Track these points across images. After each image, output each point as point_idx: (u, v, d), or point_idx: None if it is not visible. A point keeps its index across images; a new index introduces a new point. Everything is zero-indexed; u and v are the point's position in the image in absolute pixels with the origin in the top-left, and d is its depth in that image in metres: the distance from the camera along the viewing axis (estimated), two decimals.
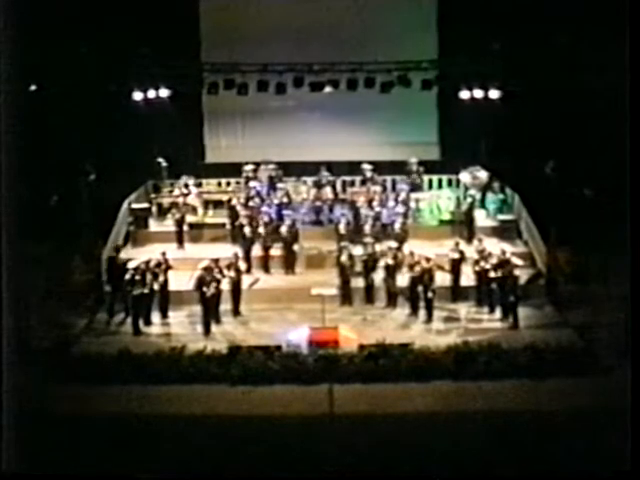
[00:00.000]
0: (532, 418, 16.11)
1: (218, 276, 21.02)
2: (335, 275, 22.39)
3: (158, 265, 21.50)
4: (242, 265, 22.22)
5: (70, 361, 18.65)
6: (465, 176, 26.88)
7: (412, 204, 25.66)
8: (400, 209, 24.94)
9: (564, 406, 16.62)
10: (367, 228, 24.05)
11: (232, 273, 21.45)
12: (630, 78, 12.87)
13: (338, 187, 27.03)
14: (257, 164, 27.28)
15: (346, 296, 22.09)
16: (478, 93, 27.23)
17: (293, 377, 18.15)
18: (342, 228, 24.20)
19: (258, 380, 18.04)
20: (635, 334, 12.80)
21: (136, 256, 22.73)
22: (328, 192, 26.21)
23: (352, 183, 27.27)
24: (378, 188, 26.14)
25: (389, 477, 14.07)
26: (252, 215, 24.45)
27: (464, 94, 27.70)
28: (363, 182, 26.86)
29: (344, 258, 22.30)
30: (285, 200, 25.68)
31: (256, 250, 23.87)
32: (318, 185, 26.61)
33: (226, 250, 22.92)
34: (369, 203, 25.25)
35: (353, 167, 27.24)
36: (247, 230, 23.83)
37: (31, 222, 22.97)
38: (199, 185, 27.26)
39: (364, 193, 25.94)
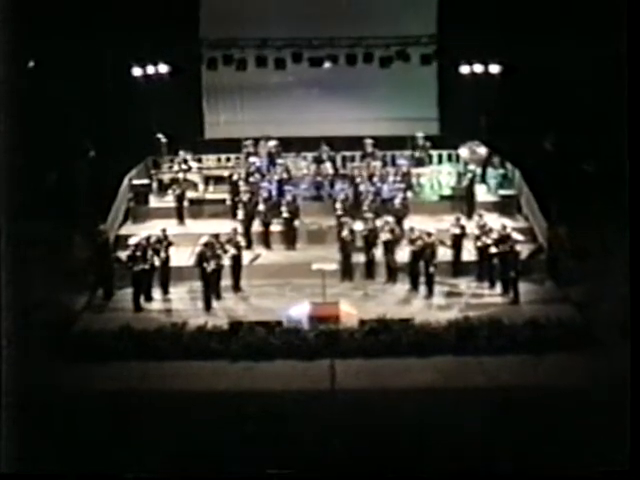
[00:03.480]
0: (532, 394, 16.08)
1: (219, 252, 20.95)
2: (336, 250, 22.35)
3: (159, 241, 21.43)
4: (242, 241, 22.19)
5: (71, 339, 18.62)
6: (464, 151, 26.77)
7: (413, 179, 25.59)
8: (400, 184, 24.86)
9: (563, 382, 16.60)
10: (367, 203, 24.00)
11: (232, 249, 21.38)
12: (629, 52, 12.77)
13: (338, 162, 26.89)
14: (257, 140, 27.15)
15: (347, 271, 22.05)
16: (478, 68, 27.11)
17: (294, 352, 18.14)
18: (342, 203, 24.13)
19: (259, 356, 18.03)
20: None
21: (136, 232, 22.65)
22: (328, 167, 26.06)
23: (352, 158, 27.17)
24: (378, 163, 26.03)
25: (390, 452, 14.04)
26: (252, 191, 24.36)
27: (464, 69, 27.60)
28: (363, 157, 26.74)
29: (345, 233, 22.24)
30: (285, 176, 25.55)
31: (256, 226, 23.80)
32: (318, 161, 26.47)
33: (226, 226, 22.78)
34: (369, 178, 25.17)
35: (353, 143, 27.10)
36: (247, 206, 23.77)
37: (30, 200, 23.00)
38: (199, 161, 27.15)
39: (364, 168, 25.86)
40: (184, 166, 26.38)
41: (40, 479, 12.10)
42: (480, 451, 13.95)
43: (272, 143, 26.81)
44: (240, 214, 23.79)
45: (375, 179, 25.03)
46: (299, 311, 19.43)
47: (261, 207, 23.83)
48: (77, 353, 18.03)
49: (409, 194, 24.77)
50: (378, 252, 22.23)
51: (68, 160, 25.33)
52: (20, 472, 12.02)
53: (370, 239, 22.22)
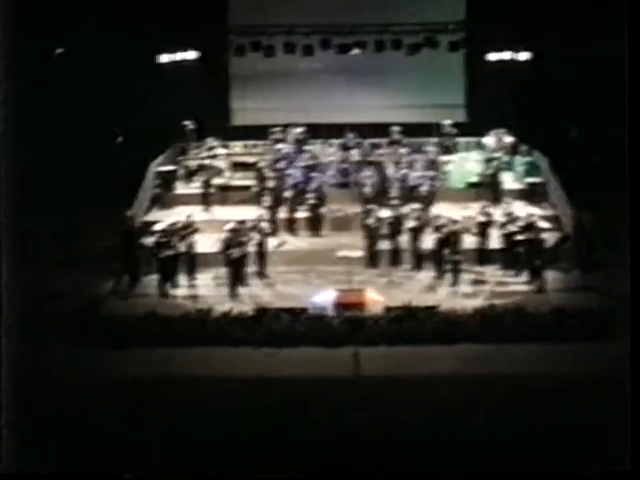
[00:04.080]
0: (556, 382, 15.98)
1: (244, 238, 20.95)
2: (361, 237, 22.25)
3: (184, 228, 21.50)
4: (268, 227, 22.20)
5: (96, 324, 18.65)
6: (491, 139, 26.60)
7: (439, 167, 25.46)
8: (427, 172, 24.75)
9: (587, 372, 16.48)
10: (394, 190, 23.92)
11: (258, 235, 21.40)
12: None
13: (365, 149, 26.78)
14: (284, 126, 27.10)
15: (372, 258, 21.99)
16: (506, 55, 26.93)
17: (319, 339, 18.12)
18: (369, 190, 24.09)
19: (283, 342, 18.02)
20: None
21: (162, 219, 22.75)
22: (355, 154, 25.99)
23: (379, 145, 27.07)
24: (405, 151, 25.92)
25: (412, 440, 14.01)
26: (279, 177, 24.36)
27: (491, 56, 27.41)
28: (390, 144, 26.64)
29: (370, 220, 22.20)
30: (312, 162, 25.47)
31: (282, 212, 23.80)
32: (345, 147, 26.36)
33: (252, 212, 22.81)
34: (396, 165, 25.08)
35: (380, 130, 26.98)
36: (273, 192, 23.75)
37: (57, 186, 23.15)
38: (226, 147, 27.14)
39: (391, 155, 25.77)
40: (211, 153, 26.40)
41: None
42: (494, 444, 13.83)
43: (299, 130, 26.76)
44: (266, 201, 23.81)
45: (402, 166, 24.94)
46: (324, 298, 19.35)
47: (287, 194, 23.85)
48: (102, 338, 18.08)
49: (436, 181, 24.69)
50: (404, 239, 22.18)
51: (95, 146, 25.50)
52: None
53: (396, 226, 22.17)
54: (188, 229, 21.51)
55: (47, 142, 24.38)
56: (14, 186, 22.19)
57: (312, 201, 23.74)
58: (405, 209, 22.58)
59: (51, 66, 25.62)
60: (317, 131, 26.93)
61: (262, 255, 21.61)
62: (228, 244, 20.67)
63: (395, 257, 22.16)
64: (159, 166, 26.02)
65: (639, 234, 12.75)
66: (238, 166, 26.62)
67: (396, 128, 26.59)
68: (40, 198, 22.45)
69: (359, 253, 21.18)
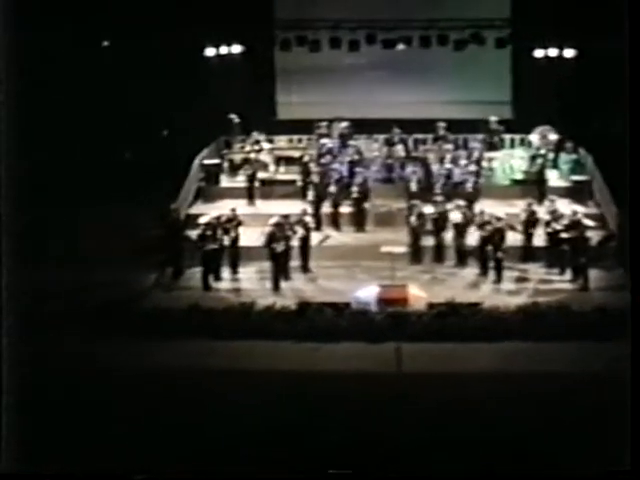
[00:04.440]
0: (599, 381, 15.86)
1: (288, 233, 21.02)
2: (405, 233, 22.25)
3: (229, 221, 21.61)
4: (312, 222, 22.26)
5: (139, 316, 18.80)
6: (536, 136, 26.43)
7: (484, 163, 25.35)
8: (472, 168, 24.65)
9: (628, 370, 16.31)
10: (438, 186, 23.86)
11: (302, 230, 21.46)
12: None
13: (410, 145, 26.70)
14: (329, 121, 27.10)
15: (416, 254, 21.96)
16: (552, 52, 26.73)
17: (361, 335, 18.12)
18: (413, 186, 24.05)
19: (326, 337, 18.04)
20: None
21: (207, 212, 22.78)
22: (400, 150, 25.92)
23: (424, 141, 27.01)
24: (450, 146, 25.82)
25: (454, 436, 13.98)
26: (323, 172, 24.37)
27: (538, 53, 27.23)
28: (435, 140, 26.56)
29: (414, 216, 22.16)
30: (356, 157, 25.44)
31: (326, 207, 23.82)
32: (390, 143, 26.26)
33: (296, 207, 22.86)
34: (441, 161, 25.00)
35: (425, 125, 26.91)
36: (318, 187, 23.79)
37: (105, 178, 23.36)
38: (271, 141, 27.19)
39: (436, 151, 25.70)
40: (256, 146, 26.43)
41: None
42: (542, 438, 13.76)
43: (344, 124, 26.73)
44: (310, 195, 23.85)
45: (446, 162, 24.85)
46: (367, 293, 19.35)
47: (331, 188, 23.85)
48: (144, 330, 18.20)
49: (480, 178, 24.60)
50: (448, 236, 22.13)
51: (141, 139, 25.66)
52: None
53: (440, 222, 22.13)
54: (232, 222, 21.63)
55: (90, 134, 24.61)
56: (56, 180, 22.56)
57: (356, 196, 23.74)
58: (449, 205, 22.54)
59: (95, 58, 25.81)
60: (362, 126, 26.83)
61: (305, 249, 21.68)
62: (272, 238, 20.75)
63: (439, 253, 22.11)
64: (204, 159, 26.18)
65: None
66: (283, 160, 26.74)
67: (441, 124, 26.49)
68: (86, 191, 22.75)
69: (403, 249, 21.12)
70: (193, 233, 21.59)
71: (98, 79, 25.14)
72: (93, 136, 24.62)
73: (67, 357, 16.52)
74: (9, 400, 11.92)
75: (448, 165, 24.66)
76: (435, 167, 24.77)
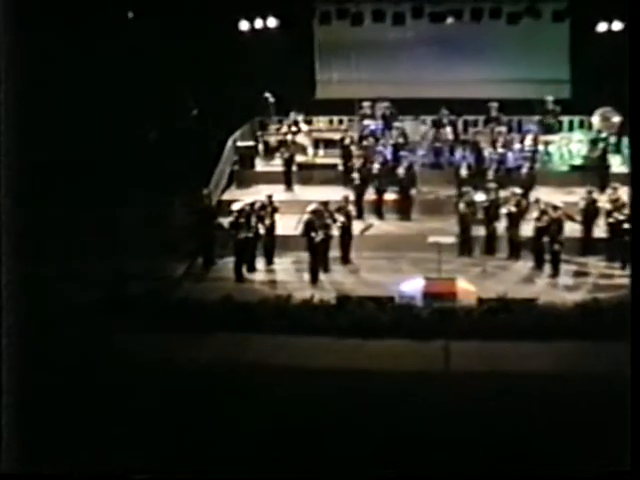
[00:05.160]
0: None
1: (328, 221, 21.17)
2: (454, 223, 22.35)
3: (264, 208, 21.80)
4: (353, 209, 22.46)
5: (169, 308, 19.00)
6: (597, 118, 26.31)
7: (540, 147, 25.31)
8: (527, 152, 24.63)
9: None
10: (490, 172, 23.88)
11: (342, 218, 21.60)
12: None
13: (459, 127, 26.73)
14: (372, 101, 27.15)
15: (465, 245, 22.04)
16: (616, 26, 26.58)
17: (406, 331, 18.16)
18: (463, 172, 24.09)
19: (368, 333, 18.08)
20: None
21: (240, 198, 23.02)
22: (448, 132, 26.00)
23: (475, 123, 27.00)
24: (503, 129, 25.79)
25: (502, 440, 14.04)
26: (366, 156, 24.47)
27: (600, 26, 27.08)
28: (487, 122, 26.55)
29: (464, 204, 22.20)
30: (401, 140, 25.58)
31: (369, 194, 23.98)
32: (437, 125, 26.36)
33: (337, 193, 23.04)
34: (493, 145, 25.00)
35: (476, 106, 26.86)
36: (360, 172, 23.90)
37: (132, 163, 23.55)
38: (309, 122, 27.33)
39: (488, 134, 25.70)
40: (293, 128, 26.59)
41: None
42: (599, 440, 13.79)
43: (388, 105, 26.81)
44: (352, 181, 23.97)
45: (499, 146, 24.84)
46: (412, 287, 19.45)
47: (375, 174, 23.95)
48: (175, 323, 18.36)
49: (536, 163, 24.58)
50: (500, 226, 22.16)
51: (169, 119, 25.80)
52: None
53: (492, 211, 22.15)
54: (268, 209, 21.82)
55: (115, 113, 24.80)
56: (79, 165, 22.80)
57: (401, 182, 23.84)
58: (502, 193, 22.54)
59: (121, 34, 25.99)
60: (408, 106, 26.88)
61: (346, 239, 21.84)
62: (310, 227, 20.90)
63: (490, 245, 22.16)
64: (237, 141, 26.37)
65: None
66: (322, 143, 26.89)
67: (494, 104, 26.47)
68: (113, 177, 22.96)
69: (451, 239, 21.15)
70: (225, 221, 21.80)
71: (126, 52, 25.31)
72: (116, 116, 24.78)
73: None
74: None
75: (501, 149, 24.67)
76: (487, 151, 24.82)
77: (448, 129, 26.12)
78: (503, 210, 22.01)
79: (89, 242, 21.22)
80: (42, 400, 14.11)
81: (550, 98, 26.69)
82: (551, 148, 25.62)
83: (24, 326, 12.60)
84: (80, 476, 12.21)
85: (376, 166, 24.12)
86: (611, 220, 21.39)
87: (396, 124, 26.24)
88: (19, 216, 12.60)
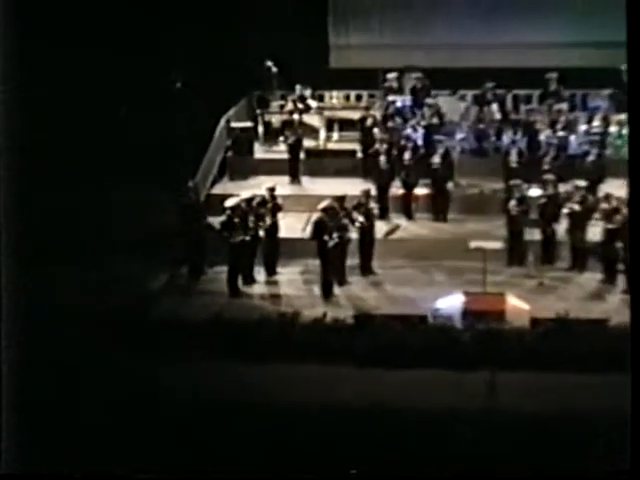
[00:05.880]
0: None
1: (344, 221, 21.32)
2: (501, 224, 22.50)
3: (264, 204, 21.96)
4: (376, 207, 22.60)
5: (146, 327, 19.13)
6: None
7: (612, 129, 25.32)
8: (595, 136, 24.68)
9: None
10: (548, 160, 23.94)
11: (362, 217, 21.73)
12: None
13: (508, 104, 26.81)
14: (399, 71, 27.27)
15: (516, 252, 22.09)
16: None
17: (441, 358, 18.26)
18: (513, 160, 24.14)
19: (394, 360, 18.19)
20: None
21: (235, 192, 23.17)
22: (494, 110, 26.12)
23: (528, 99, 27.05)
24: (564, 106, 25.85)
25: None
26: (391, 140, 24.61)
27: None
28: (543, 97, 26.59)
29: (515, 201, 22.26)
30: (436, 121, 25.71)
31: (395, 187, 24.17)
32: (481, 101, 26.48)
33: (355, 186, 23.20)
34: (552, 126, 25.06)
35: (530, 77, 26.86)
36: (384, 160, 24.04)
37: (99, 146, 23.64)
38: (320, 98, 27.44)
39: (545, 112, 25.76)
40: (301, 105, 26.70)
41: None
42: None
43: (419, 76, 26.91)
44: (374, 171, 24.09)
45: (559, 127, 24.90)
46: (450, 303, 19.59)
47: (402, 162, 24.09)
48: (152, 346, 18.48)
49: (606, 149, 24.62)
50: (560, 227, 22.21)
51: (148, 94, 25.83)
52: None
53: (550, 210, 22.20)
54: (269, 207, 21.99)
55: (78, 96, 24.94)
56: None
57: (436, 173, 24.00)
58: (563, 187, 22.60)
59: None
60: (444, 78, 26.96)
61: (367, 244, 22.00)
62: (322, 228, 21.02)
63: (548, 251, 22.22)
64: (232, 121, 26.47)
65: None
66: (337, 124, 27.00)
67: (552, 75, 26.47)
68: (85, 165, 23.08)
69: (498, 244, 21.24)
70: (216, 220, 21.90)
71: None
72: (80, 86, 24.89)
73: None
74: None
75: (561, 132, 24.74)
76: (543, 134, 24.88)
77: (494, 106, 26.22)
78: (564, 209, 22.05)
79: (56, 246, 21.43)
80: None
81: (624, 67, 26.70)
82: (625, 130, 25.66)
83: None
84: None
85: (404, 153, 24.25)
86: None
87: (429, 100, 26.36)
88: None
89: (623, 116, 25.86)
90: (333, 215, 21.22)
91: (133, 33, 25.52)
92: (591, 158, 24.04)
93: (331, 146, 26.49)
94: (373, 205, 22.42)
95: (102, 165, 23.18)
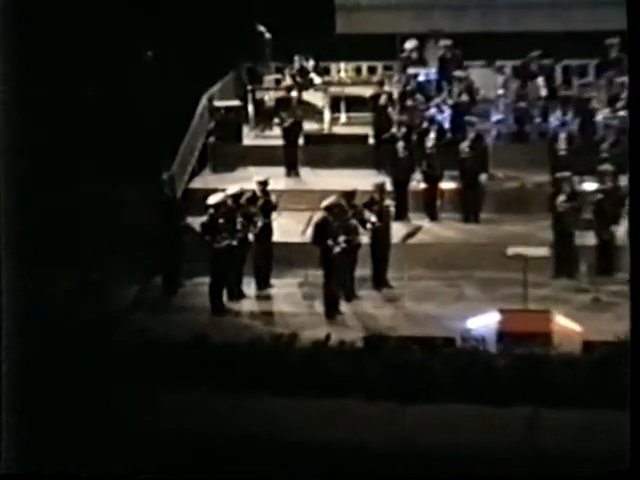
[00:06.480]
0: None
1: (352, 222, 21.51)
2: (547, 225, 22.75)
3: (254, 201, 22.29)
4: (392, 204, 22.88)
5: (113, 349, 19.36)
6: None
7: None
8: None
9: None
10: (605, 147, 24.13)
11: (375, 217, 21.96)
12: None
13: (557, 77, 27.05)
14: (420, 37, 27.52)
15: (565, 260, 22.28)
16: None
17: (472, 390, 18.38)
18: (562, 147, 24.33)
19: (413, 392, 18.34)
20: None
21: (220, 186, 23.42)
22: (539, 85, 26.38)
23: (581, 71, 27.12)
24: (626, 80, 26.00)
25: None
26: (411, 123, 24.84)
27: None
28: (601, 69, 26.67)
29: (564, 197, 22.46)
30: (466, 98, 25.97)
31: (416, 181, 24.47)
32: (523, 73, 26.71)
33: (366, 180, 23.50)
34: (611, 105, 25.27)
35: (583, 43, 26.91)
36: (402, 147, 24.30)
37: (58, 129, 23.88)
38: (325, 72, 27.62)
39: (603, 88, 25.88)
40: (300, 79, 26.88)
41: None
42: None
43: (447, 43, 27.18)
44: (390, 161, 24.42)
45: (620, 106, 25.04)
46: (483, 323, 19.81)
47: (425, 150, 24.43)
48: (119, 371, 18.72)
49: None
50: (620, 230, 22.38)
51: (114, 66, 26.03)
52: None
53: (607, 208, 22.41)
54: (261, 204, 22.31)
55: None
56: None
57: (466, 163, 24.28)
58: (624, 179, 22.79)
59: None
60: (477, 45, 27.21)
61: (381, 250, 22.25)
62: (326, 230, 21.19)
63: (605, 259, 22.48)
64: (215, 100, 26.77)
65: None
66: (344, 103, 27.32)
67: (613, 40, 26.48)
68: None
69: (543, 251, 21.41)
70: (197, 221, 22.17)
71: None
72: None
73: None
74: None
75: (623, 111, 24.85)
76: (600, 115, 25.10)
77: (539, 80, 26.47)
78: (625, 207, 22.20)
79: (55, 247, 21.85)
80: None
81: None
82: None
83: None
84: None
85: (427, 139, 24.57)
86: None
87: (458, 73, 26.61)
88: None
89: None
90: (339, 215, 21.36)
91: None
92: None
93: (337, 130, 26.78)
94: (388, 202, 22.68)
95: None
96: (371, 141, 25.79)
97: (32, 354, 17.89)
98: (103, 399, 18.89)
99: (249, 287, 22.25)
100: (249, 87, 27.85)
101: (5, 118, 16.44)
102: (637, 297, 15.06)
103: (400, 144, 24.43)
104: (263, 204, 22.40)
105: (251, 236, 22.06)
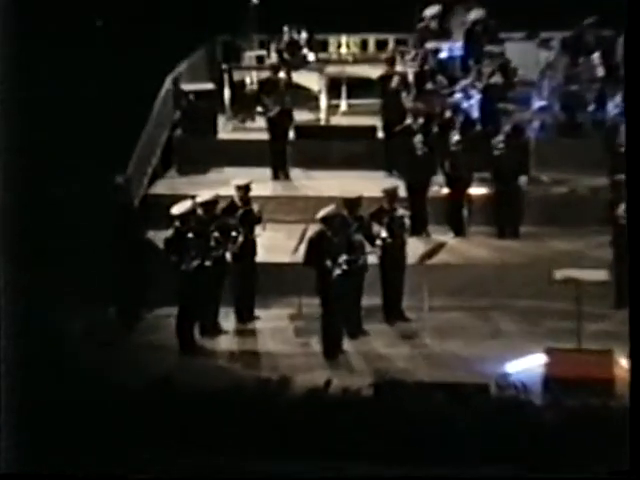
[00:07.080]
0: None
1: (357, 237, 21.55)
2: (605, 242, 22.80)
3: (233, 211, 22.32)
4: (406, 215, 22.79)
5: (57, 395, 19.27)
6: None
7: None
8: None
9: None
10: None
11: (386, 231, 22.02)
12: None
13: (618, 53, 26.92)
14: (443, 3, 27.50)
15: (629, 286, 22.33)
16: None
17: (510, 450, 18.19)
18: (624, 141, 24.34)
19: (436, 454, 18.16)
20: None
21: (188, 191, 23.59)
22: (596, 64, 26.51)
23: None
24: None
25: None
26: (431, 111, 24.88)
27: None
28: None
29: (624, 207, 22.51)
30: (501, 80, 25.95)
31: (437, 185, 24.73)
32: (574, 48, 26.76)
33: (375, 183, 23.73)
34: None
35: None
36: (419, 142, 24.34)
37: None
38: (321, 47, 27.68)
39: None
40: (290, 57, 26.93)
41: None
42: None
43: (477, 11, 27.18)
44: (404, 160, 24.50)
45: None
46: (525, 366, 19.93)
47: (449, 146, 24.50)
48: (67, 424, 18.66)
49: None
50: None
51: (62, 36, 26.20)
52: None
53: None
54: (241, 215, 22.33)
55: None
56: None
57: (500, 161, 24.36)
58: None
59: None
60: (511, 13, 27.22)
61: (394, 273, 22.29)
62: (324, 248, 21.22)
63: None
64: (182, 82, 26.69)
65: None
66: (345, 86, 27.28)
67: None
68: None
69: (600, 274, 21.41)
70: (160, 235, 22.33)
71: None
72: None
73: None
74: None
75: None
76: None
77: (595, 57, 26.55)
78: None
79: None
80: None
81: None
82: None
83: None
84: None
85: (451, 131, 24.70)
86: None
87: (491, 48, 26.70)
88: None
89: None
90: (340, 228, 21.39)
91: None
92: None
93: (336, 121, 26.79)
94: (402, 212, 22.67)
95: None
96: (380, 135, 25.61)
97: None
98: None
99: (227, 320, 22.29)
100: (225, 66, 27.72)
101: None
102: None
103: (417, 139, 24.46)
104: (244, 214, 22.42)
105: (229, 255, 22.08)
